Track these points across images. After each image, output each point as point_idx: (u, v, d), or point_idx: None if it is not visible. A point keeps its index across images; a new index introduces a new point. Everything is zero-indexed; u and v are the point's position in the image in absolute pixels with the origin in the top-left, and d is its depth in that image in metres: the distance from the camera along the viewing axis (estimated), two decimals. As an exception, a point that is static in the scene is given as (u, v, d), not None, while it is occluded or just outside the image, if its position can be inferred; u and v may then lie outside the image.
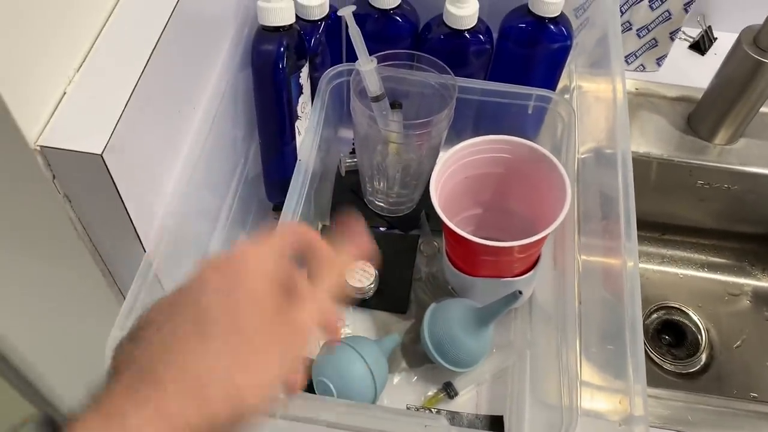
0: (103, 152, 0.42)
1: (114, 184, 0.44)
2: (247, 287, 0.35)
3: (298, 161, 0.67)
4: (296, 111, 0.68)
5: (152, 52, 0.47)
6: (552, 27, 0.72)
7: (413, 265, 0.75)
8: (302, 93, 0.68)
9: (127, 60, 0.47)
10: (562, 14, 0.72)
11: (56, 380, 0.70)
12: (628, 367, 0.49)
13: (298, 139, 0.70)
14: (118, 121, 0.43)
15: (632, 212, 0.57)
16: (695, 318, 0.94)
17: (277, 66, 0.63)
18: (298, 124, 0.69)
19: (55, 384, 0.71)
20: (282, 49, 0.63)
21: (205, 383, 0.31)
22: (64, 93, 0.44)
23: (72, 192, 0.45)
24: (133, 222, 0.47)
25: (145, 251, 0.51)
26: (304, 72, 0.67)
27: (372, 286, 0.70)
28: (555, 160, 0.64)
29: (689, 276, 0.99)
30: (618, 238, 0.56)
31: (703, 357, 0.91)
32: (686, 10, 0.87)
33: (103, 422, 0.29)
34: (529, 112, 0.74)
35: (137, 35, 0.48)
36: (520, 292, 0.59)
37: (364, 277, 0.70)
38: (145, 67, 0.46)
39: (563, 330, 0.60)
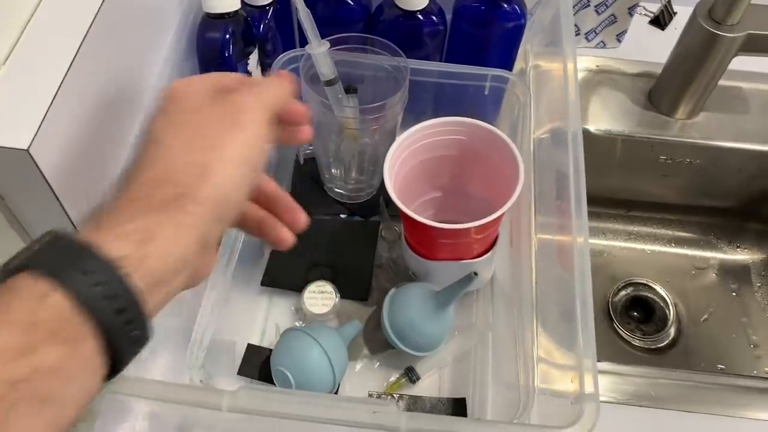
0: (29, 147, 0.40)
1: (45, 179, 0.43)
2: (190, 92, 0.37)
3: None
4: None
5: (82, 42, 0.46)
6: (505, 5, 0.72)
7: (374, 252, 0.74)
8: None
9: (56, 51, 0.45)
10: (514, -8, 0.72)
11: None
12: (579, 344, 0.49)
13: None
14: (46, 114, 0.42)
15: (582, 189, 0.56)
16: (663, 293, 0.95)
17: (223, 54, 0.62)
18: None
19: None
20: (228, 36, 0.62)
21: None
22: (-11, 87, 0.43)
23: (4, 189, 0.44)
24: (69, 215, 0.46)
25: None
26: (253, 59, 0.66)
27: (333, 311, 0.68)
28: (507, 139, 0.63)
29: (656, 252, 0.99)
30: (569, 215, 0.56)
31: (672, 332, 0.92)
32: (643, -15, 0.87)
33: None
34: (486, 93, 0.74)
35: (67, 24, 0.47)
36: (476, 273, 0.59)
37: (323, 302, 0.68)
38: (74, 58, 0.45)
39: (520, 309, 0.60)
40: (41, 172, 0.42)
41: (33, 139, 0.41)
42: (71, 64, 0.45)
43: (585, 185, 0.57)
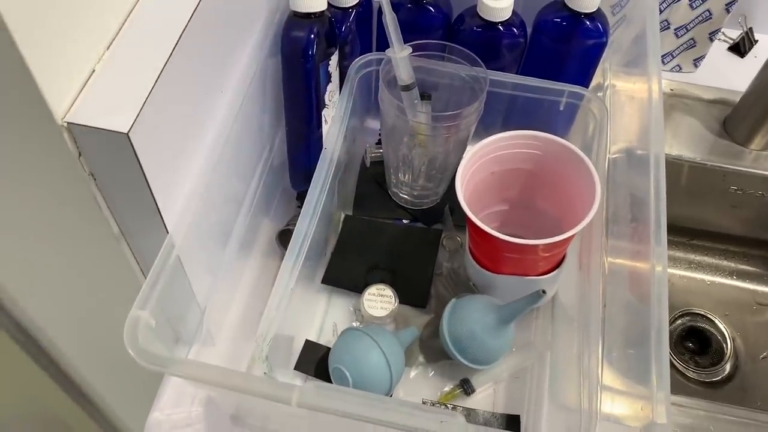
0: (129, 131, 0.41)
1: (139, 163, 0.44)
2: None
3: (323, 150, 0.67)
4: (324, 99, 0.67)
5: (182, 34, 0.47)
6: (588, 23, 0.71)
7: (435, 260, 0.74)
8: (330, 81, 0.67)
9: (156, 40, 0.46)
10: (598, 10, 0.71)
11: (79, 357, 0.71)
12: (651, 374, 0.48)
13: (325, 128, 0.70)
14: (146, 100, 0.43)
15: (663, 216, 0.55)
16: (721, 326, 0.92)
17: (306, 53, 0.62)
18: (325, 112, 0.68)
19: (78, 361, 0.71)
20: (312, 36, 0.62)
21: None
22: (93, 71, 0.44)
23: (97, 170, 0.45)
24: (157, 202, 0.47)
25: (167, 232, 0.50)
26: (334, 60, 0.66)
27: (391, 315, 0.68)
28: (585, 158, 0.63)
29: (717, 283, 0.97)
30: (647, 241, 0.55)
31: (728, 366, 0.89)
32: (728, 11, 0.85)
33: None
34: (561, 108, 0.73)
35: (167, 16, 0.48)
36: (544, 292, 0.58)
37: (383, 306, 0.68)
38: (174, 48, 0.46)
39: (586, 332, 0.59)
40: (137, 156, 0.43)
41: (133, 123, 0.42)
42: (171, 52, 0.46)
43: (665, 211, 0.56)
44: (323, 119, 0.68)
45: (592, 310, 0.59)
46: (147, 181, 0.45)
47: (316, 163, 0.65)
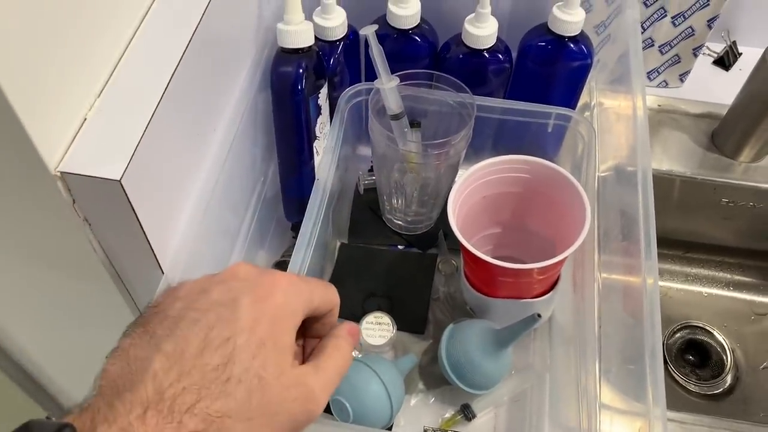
0: (121, 178, 0.42)
1: (132, 208, 0.44)
2: (276, 304, 0.35)
3: (316, 180, 0.68)
4: (314, 131, 0.68)
5: (171, 78, 0.48)
6: (572, 45, 0.72)
7: (431, 285, 0.74)
8: (321, 113, 0.68)
9: (147, 86, 0.47)
10: (582, 32, 0.72)
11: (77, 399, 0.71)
12: (647, 391, 0.48)
13: (317, 159, 0.70)
14: (137, 146, 0.44)
15: (652, 230, 0.56)
16: (720, 338, 0.93)
17: (296, 87, 0.63)
18: (316, 144, 0.69)
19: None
20: (301, 70, 0.63)
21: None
22: (85, 119, 0.44)
23: (92, 216, 0.46)
24: (152, 245, 0.48)
25: (163, 273, 0.51)
26: (323, 93, 0.67)
27: (390, 343, 0.68)
28: (574, 180, 0.63)
29: (714, 295, 0.97)
30: (638, 257, 0.55)
31: (729, 378, 0.90)
32: (710, 27, 0.86)
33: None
34: (549, 130, 0.74)
35: (157, 60, 0.49)
36: (539, 315, 0.59)
37: (381, 334, 0.68)
38: (164, 93, 0.47)
39: (583, 352, 0.59)
40: (130, 201, 0.44)
41: (125, 170, 0.42)
42: (161, 96, 0.46)
43: (655, 226, 0.56)
44: (315, 151, 0.69)
45: (587, 330, 0.59)
46: (141, 225, 0.46)
47: (309, 194, 0.66)
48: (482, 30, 0.70)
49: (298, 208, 0.72)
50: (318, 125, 0.68)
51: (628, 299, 0.58)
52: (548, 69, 0.74)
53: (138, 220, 0.45)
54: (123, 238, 0.47)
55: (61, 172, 0.42)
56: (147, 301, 0.51)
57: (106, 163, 0.42)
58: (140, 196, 0.45)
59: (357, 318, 0.70)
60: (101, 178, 0.42)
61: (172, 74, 0.48)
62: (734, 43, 0.97)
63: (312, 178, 0.70)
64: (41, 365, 0.67)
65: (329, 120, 0.72)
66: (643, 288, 0.53)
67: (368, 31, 0.64)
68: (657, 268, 0.54)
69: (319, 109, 0.67)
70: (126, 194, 0.43)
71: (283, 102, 0.65)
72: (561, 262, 0.61)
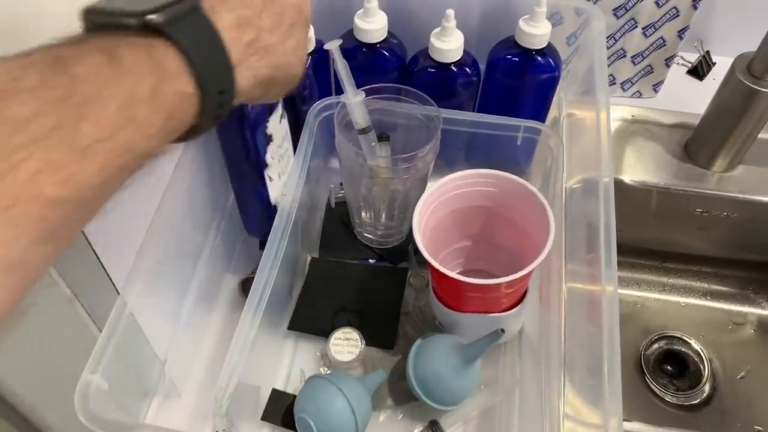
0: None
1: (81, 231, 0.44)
2: None
3: (283, 197, 0.67)
4: (265, 160, 0.66)
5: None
6: (539, 58, 0.72)
7: (401, 299, 0.74)
8: (271, 141, 0.67)
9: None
10: (549, 45, 0.72)
11: (46, 416, 0.70)
12: (605, 401, 0.48)
13: (271, 184, 0.69)
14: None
15: (613, 240, 0.56)
16: (697, 347, 0.92)
17: (241, 122, 0.61)
18: (268, 171, 0.68)
19: (46, 419, 0.71)
20: (248, 108, 0.62)
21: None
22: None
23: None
24: (103, 264, 0.47)
25: (119, 293, 0.50)
26: (274, 119, 0.66)
27: (358, 359, 0.68)
28: (538, 193, 0.63)
29: (691, 305, 0.97)
30: (600, 267, 0.55)
31: (706, 388, 0.89)
32: (680, 37, 0.86)
33: None
34: (519, 143, 0.74)
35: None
36: (503, 330, 0.58)
37: (349, 350, 0.68)
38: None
39: (548, 365, 0.59)
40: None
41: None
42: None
43: (615, 235, 0.56)
44: (267, 178, 0.68)
45: (553, 342, 0.59)
46: (89, 242, 0.45)
47: (267, 212, 0.65)
48: (448, 44, 0.70)
49: (258, 225, 0.72)
50: (269, 153, 0.67)
51: (591, 310, 0.58)
52: (516, 82, 0.74)
53: (86, 238, 0.45)
54: (75, 258, 0.47)
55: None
56: (106, 320, 0.50)
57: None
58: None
59: (326, 333, 0.70)
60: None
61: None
62: (708, 52, 0.97)
63: (266, 202, 0.68)
64: (8, 384, 0.66)
65: (288, 141, 0.71)
66: (602, 296, 0.52)
67: (332, 46, 0.64)
68: (616, 277, 0.54)
69: (269, 138, 0.66)
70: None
71: (227, 134, 0.63)
72: (527, 276, 0.61)
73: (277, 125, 0.67)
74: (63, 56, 0.27)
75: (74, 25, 0.30)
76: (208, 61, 0.32)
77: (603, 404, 0.48)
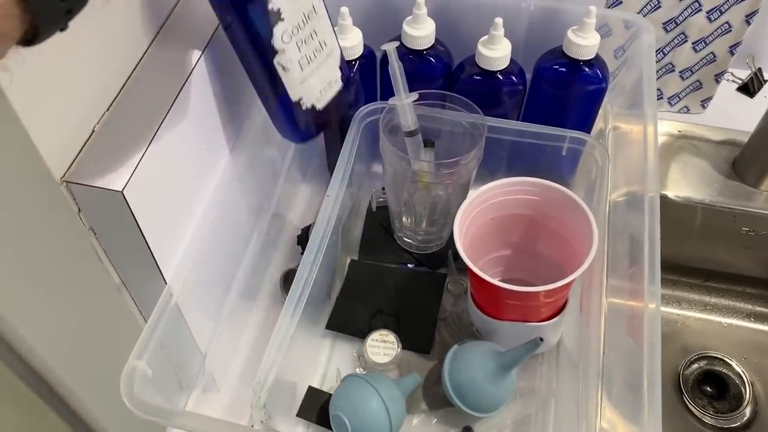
0: (124, 189, 0.43)
1: (135, 219, 0.45)
2: None
3: (325, 197, 0.68)
4: (272, 45, 0.54)
5: (178, 94, 0.49)
6: (587, 69, 0.72)
7: (439, 305, 0.74)
8: (280, 21, 0.54)
9: (154, 100, 0.48)
10: (597, 56, 0.72)
11: (91, 405, 0.72)
12: (644, 420, 0.47)
13: (287, 75, 0.57)
14: (141, 159, 0.45)
15: (657, 256, 0.55)
16: (739, 369, 0.90)
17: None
18: (279, 59, 0.56)
19: (90, 407, 0.72)
20: None
21: None
22: (93, 131, 0.46)
23: (96, 225, 0.47)
24: (154, 255, 0.49)
25: (166, 283, 0.52)
26: None
27: (394, 361, 0.68)
28: (582, 203, 0.63)
29: (734, 325, 0.95)
30: (642, 282, 0.55)
31: (747, 411, 0.87)
32: (732, 53, 0.85)
33: None
34: (564, 153, 0.74)
35: (166, 75, 0.50)
36: (542, 339, 0.58)
37: (385, 352, 0.68)
38: (170, 107, 0.48)
39: (585, 377, 0.58)
40: (132, 212, 0.45)
41: (127, 181, 0.43)
42: (167, 113, 0.48)
43: (660, 252, 0.55)
44: (277, 67, 0.56)
45: (591, 354, 0.58)
46: (143, 235, 0.47)
47: (289, 111, 0.58)
48: (495, 52, 0.70)
49: (290, 128, 0.62)
50: (278, 35, 0.54)
51: (631, 325, 0.57)
52: (563, 92, 0.74)
53: (141, 230, 0.46)
54: (127, 248, 0.49)
55: (66, 182, 0.43)
56: (152, 309, 0.52)
57: (110, 174, 0.44)
58: (143, 207, 0.46)
59: (363, 334, 0.70)
60: (104, 188, 0.43)
61: (180, 89, 0.49)
62: (759, 69, 0.95)
63: (284, 96, 0.58)
64: (52, 368, 0.68)
65: (323, 20, 0.59)
66: (644, 312, 0.52)
67: (389, 47, 0.65)
68: (659, 293, 0.53)
69: (275, 15, 0.53)
70: (128, 205, 0.44)
71: (224, 19, 0.53)
72: (567, 286, 0.61)
73: (287, 2, 0.54)
74: None
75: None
76: None
77: (641, 421, 0.48)
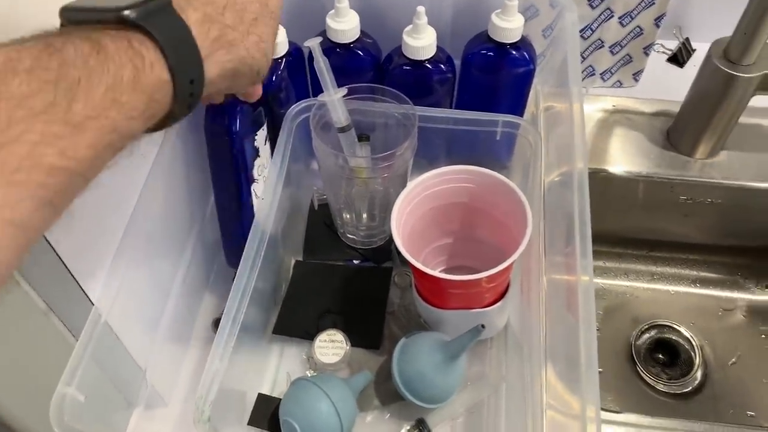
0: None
1: (47, 240, 0.44)
2: None
3: (259, 200, 0.67)
4: (252, 175, 0.66)
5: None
6: (513, 52, 0.72)
7: (386, 299, 0.74)
8: (259, 156, 0.67)
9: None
10: (523, 38, 0.72)
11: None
12: (582, 391, 0.48)
13: (255, 202, 0.68)
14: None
15: (588, 230, 0.56)
16: (688, 335, 0.92)
17: (230, 129, 0.62)
18: (254, 187, 0.67)
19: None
20: (236, 113, 0.62)
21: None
22: None
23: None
24: (73, 274, 0.47)
25: (92, 304, 0.50)
26: (261, 134, 0.66)
27: (344, 360, 0.68)
28: (515, 187, 0.63)
29: (680, 292, 0.97)
30: (575, 257, 0.55)
31: (698, 375, 0.89)
32: (657, 25, 0.86)
33: None
34: (498, 138, 0.74)
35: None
36: (483, 326, 0.58)
37: (334, 352, 0.68)
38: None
39: (530, 359, 0.58)
40: (45, 236, 0.43)
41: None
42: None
43: (590, 225, 0.56)
44: (253, 194, 0.67)
45: (533, 333, 0.58)
46: (57, 253, 0.45)
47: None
48: (420, 41, 0.69)
49: (239, 253, 0.67)
50: (256, 168, 0.67)
51: (569, 300, 0.57)
52: (492, 76, 0.74)
53: (55, 250, 0.45)
54: (46, 271, 0.47)
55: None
56: (80, 330, 0.50)
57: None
58: (56, 227, 0.44)
59: (311, 336, 0.69)
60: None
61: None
62: (687, 39, 0.97)
63: (250, 222, 0.66)
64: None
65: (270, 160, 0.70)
66: (577, 285, 0.52)
67: (312, 43, 0.64)
68: (592, 266, 0.54)
69: (256, 151, 0.66)
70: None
71: (216, 146, 0.63)
72: (506, 270, 0.61)
73: (263, 144, 0.67)
74: (53, 43, 0.30)
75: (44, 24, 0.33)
76: (181, 52, 0.35)
77: (580, 394, 0.48)
